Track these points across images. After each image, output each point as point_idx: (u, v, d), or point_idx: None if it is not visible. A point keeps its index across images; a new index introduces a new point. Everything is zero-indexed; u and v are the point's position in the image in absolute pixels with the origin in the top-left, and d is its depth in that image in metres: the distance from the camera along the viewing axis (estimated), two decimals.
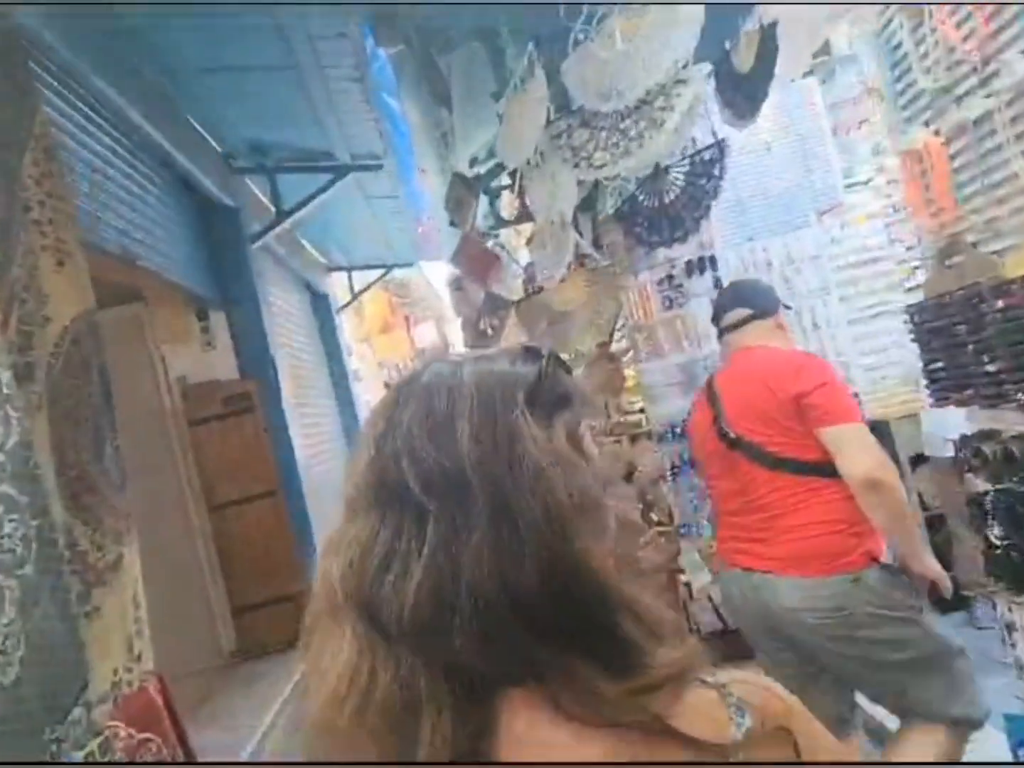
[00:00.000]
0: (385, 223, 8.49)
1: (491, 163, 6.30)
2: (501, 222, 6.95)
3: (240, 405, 5.85)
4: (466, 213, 4.67)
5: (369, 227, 8.56)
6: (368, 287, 10.76)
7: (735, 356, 2.63)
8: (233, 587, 5.78)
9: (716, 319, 2.69)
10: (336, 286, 10.73)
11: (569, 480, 0.62)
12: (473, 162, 5.95)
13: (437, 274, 13.13)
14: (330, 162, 6.33)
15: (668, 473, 4.05)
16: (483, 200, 6.47)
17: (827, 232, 3.95)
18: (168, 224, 5.46)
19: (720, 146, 2.54)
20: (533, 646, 0.59)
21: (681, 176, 2.61)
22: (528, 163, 3.04)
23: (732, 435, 2.41)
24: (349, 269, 10.59)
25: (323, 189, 6.32)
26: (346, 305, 10.76)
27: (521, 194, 6.09)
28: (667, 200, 2.57)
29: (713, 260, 4.03)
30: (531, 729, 0.60)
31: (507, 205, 6.92)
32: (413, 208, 7.97)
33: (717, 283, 4.05)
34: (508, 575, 0.59)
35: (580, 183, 2.52)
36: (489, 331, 4.86)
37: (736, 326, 2.56)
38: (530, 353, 0.74)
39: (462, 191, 4.76)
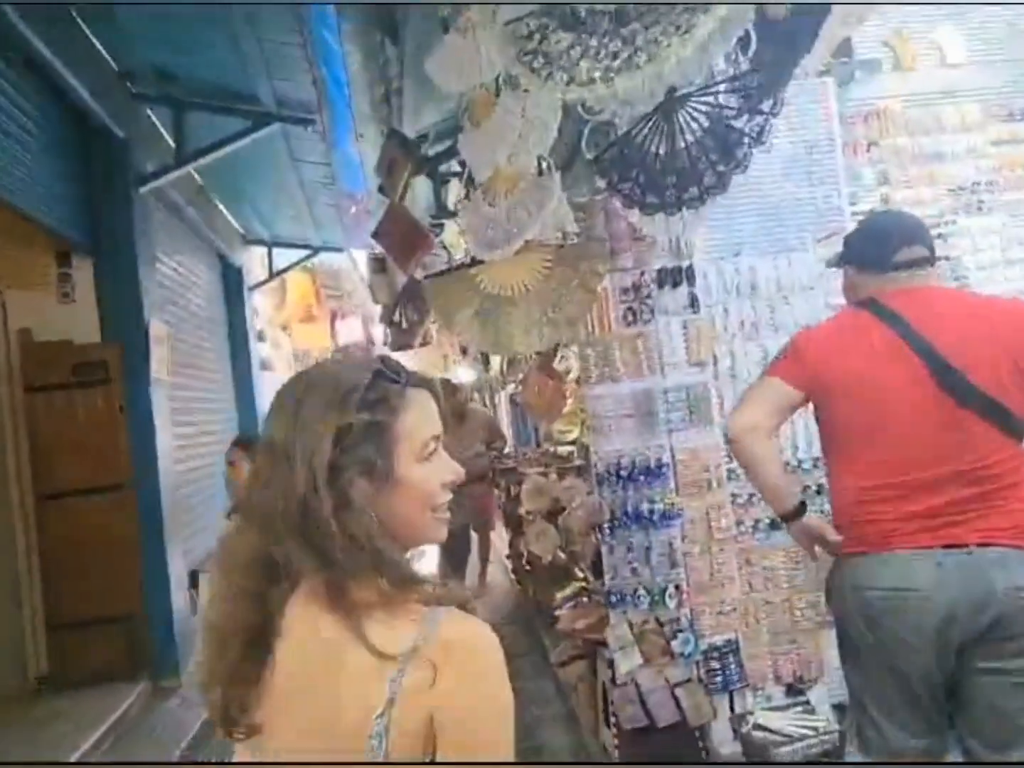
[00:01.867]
0: (313, 195, 7.52)
1: (442, 145, 5.48)
2: (446, 212, 6.09)
3: (93, 374, 4.78)
4: (398, 178, 3.84)
5: (294, 198, 7.57)
6: (288, 268, 9.69)
7: (921, 297, 2.11)
8: (52, 597, 4.66)
9: (882, 251, 2.13)
10: (254, 262, 9.63)
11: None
12: (421, 141, 5.11)
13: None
14: (251, 106, 5.36)
15: (606, 524, 3.27)
16: (428, 186, 5.64)
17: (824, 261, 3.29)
18: (33, 146, 4.40)
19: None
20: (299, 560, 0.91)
21: (705, 110, 1.83)
22: (480, 87, 2.21)
23: (977, 389, 1.95)
24: (269, 245, 9.51)
25: (239, 135, 5.34)
26: (261, 284, 9.67)
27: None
28: (679, 144, 1.79)
29: (691, 272, 3.32)
30: (303, 606, 0.93)
31: (456, 193, 6.07)
32: (346, 181, 7.04)
33: (693, 301, 3.33)
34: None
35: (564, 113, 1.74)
36: (404, 323, 4.00)
37: (918, 264, 2.13)
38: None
39: (397, 151, 3.92)
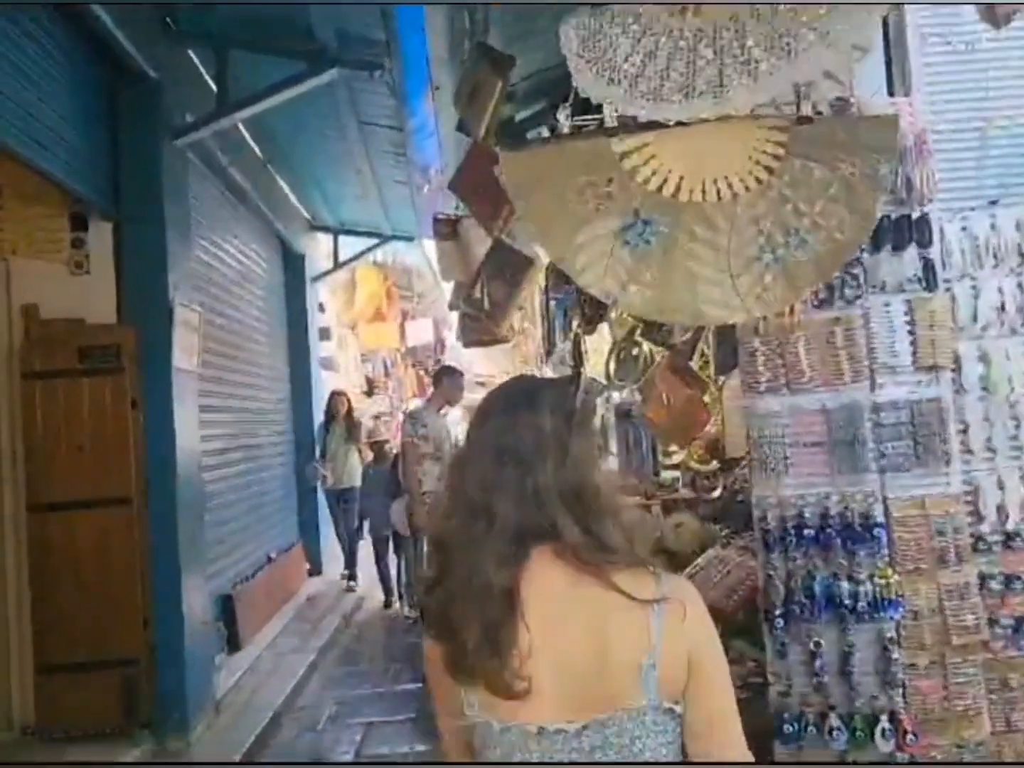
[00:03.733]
0: (382, 170, 6.61)
1: (531, 109, 4.45)
2: None
3: (102, 361, 3.92)
4: (483, 106, 2.82)
5: (361, 173, 6.69)
6: (354, 258, 8.85)
7: None
8: (42, 633, 3.81)
9: None
10: (319, 250, 8.84)
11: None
12: (511, 96, 4.09)
13: None
14: (307, 46, 4.45)
15: (776, 610, 2.11)
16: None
17: None
18: (47, 86, 3.61)
19: None
20: (566, 527, 1.07)
21: None
22: None
23: None
24: (336, 231, 8.70)
25: (292, 81, 4.43)
26: (325, 274, 8.85)
27: None
28: None
29: (925, 226, 2.15)
30: (548, 565, 1.07)
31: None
32: (418, 150, 6.09)
33: (927, 273, 2.15)
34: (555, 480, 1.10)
35: None
36: (485, 304, 2.96)
37: None
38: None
39: (483, 70, 2.89)
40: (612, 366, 3.30)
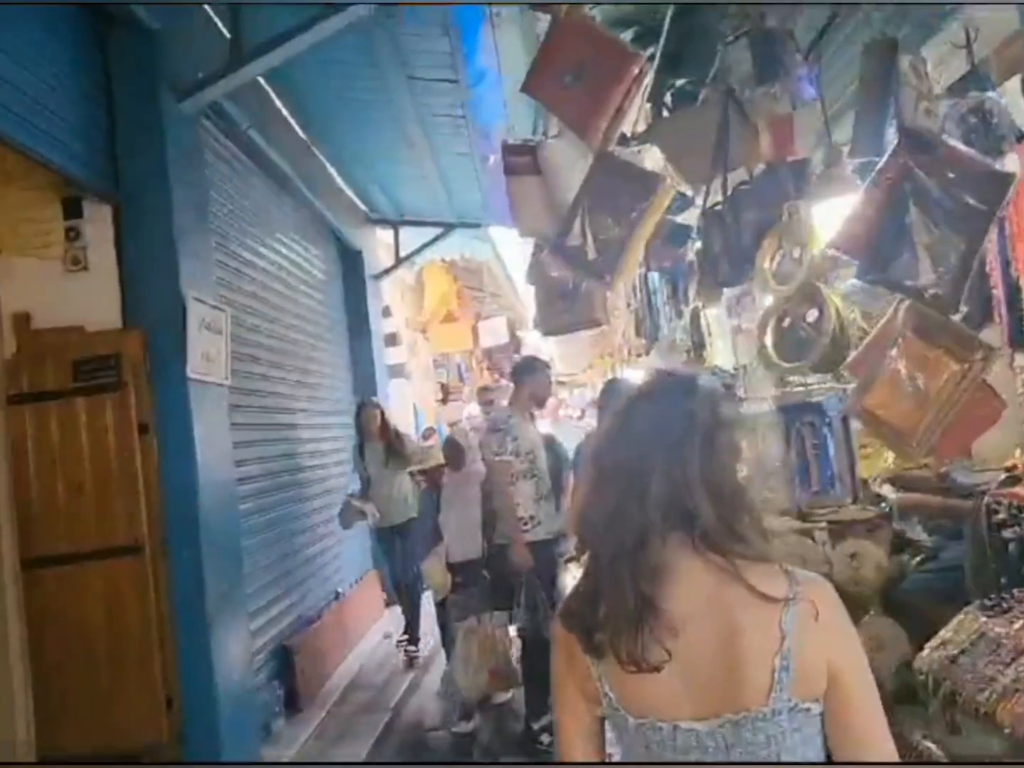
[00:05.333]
0: (439, 140, 5.72)
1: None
2: None
3: (100, 376, 3.14)
4: None
5: (416, 147, 5.81)
6: (417, 252, 8.00)
7: None
8: (48, 723, 3.05)
9: None
10: (377, 245, 8.05)
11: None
12: None
13: (514, 255, 10.33)
14: None
15: None
16: None
17: None
18: (32, 48, 2.89)
19: None
20: (705, 516, 1.05)
21: None
22: None
23: None
24: (396, 223, 7.89)
25: (317, 20, 3.56)
26: (387, 272, 8.05)
27: None
28: None
29: None
30: (679, 556, 1.05)
31: None
32: (479, 110, 5.18)
33: None
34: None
35: None
36: (591, 249, 1.98)
37: None
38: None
39: None
40: (771, 340, 2.26)
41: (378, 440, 5.53)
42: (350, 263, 7.30)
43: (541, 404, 4.58)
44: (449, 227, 7.79)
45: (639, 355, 8.49)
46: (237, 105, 4.39)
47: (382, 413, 5.65)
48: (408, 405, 10.51)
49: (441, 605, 4.33)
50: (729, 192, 2.59)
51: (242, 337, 4.42)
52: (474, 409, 8.91)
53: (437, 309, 12.73)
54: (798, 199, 2.24)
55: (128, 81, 3.42)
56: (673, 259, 3.92)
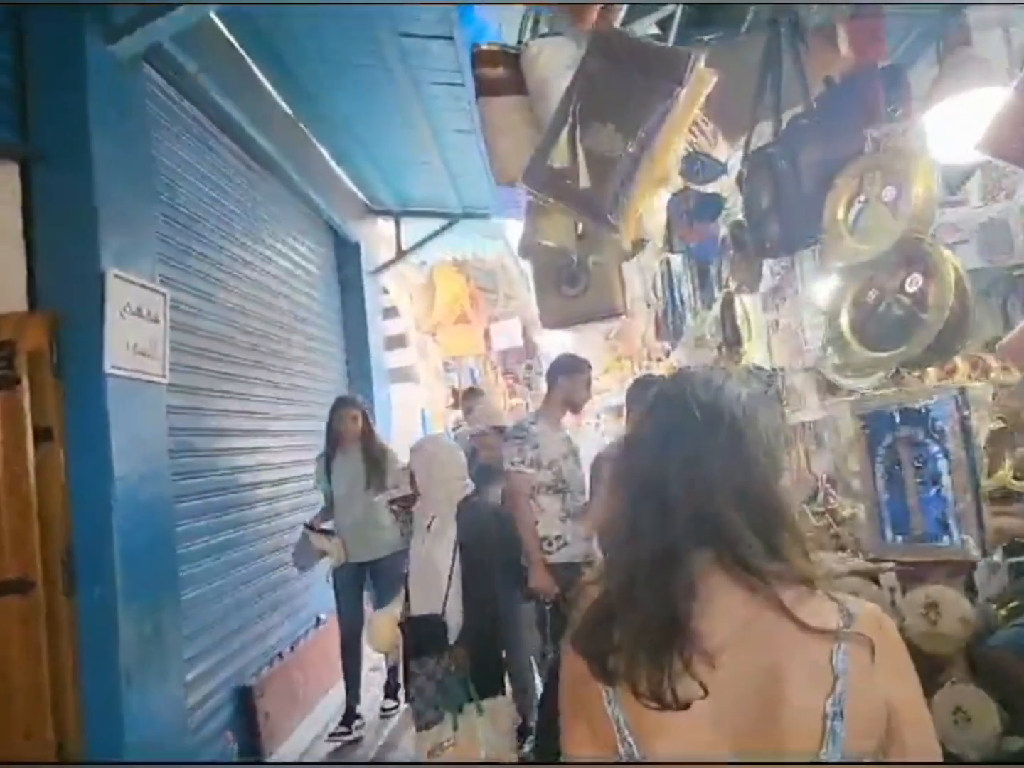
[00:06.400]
0: (438, 115, 5.11)
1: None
2: None
3: None
4: None
5: (414, 125, 5.20)
6: (420, 244, 7.38)
7: None
8: None
9: None
10: (377, 237, 7.46)
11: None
12: None
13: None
14: None
15: None
16: None
17: None
18: None
19: None
20: (742, 534, 0.90)
21: None
22: None
23: None
24: (396, 214, 7.29)
25: None
26: (387, 266, 7.45)
27: None
28: None
29: None
30: (708, 576, 0.90)
31: None
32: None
33: None
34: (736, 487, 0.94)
35: None
36: (582, 175, 1.34)
37: None
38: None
39: None
40: (847, 320, 1.59)
41: (355, 450, 4.31)
42: (347, 256, 6.72)
43: (576, 409, 4.02)
44: (454, 218, 7.17)
45: (659, 359, 7.81)
46: (209, 74, 3.83)
47: (364, 416, 4.40)
48: (416, 410, 9.94)
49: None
50: (783, 128, 1.94)
51: (200, 328, 3.84)
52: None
53: (448, 310, 12.16)
54: (893, 116, 1.59)
55: (42, 12, 2.84)
56: (700, 237, 3.25)
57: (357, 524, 4.21)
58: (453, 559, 2.65)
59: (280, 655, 4.38)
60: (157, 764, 2.71)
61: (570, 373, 3.83)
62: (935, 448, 1.45)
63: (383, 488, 4.16)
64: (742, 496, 0.91)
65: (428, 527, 2.79)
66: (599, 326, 3.34)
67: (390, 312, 8.74)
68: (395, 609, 2.77)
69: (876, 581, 2.60)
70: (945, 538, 1.52)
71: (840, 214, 1.66)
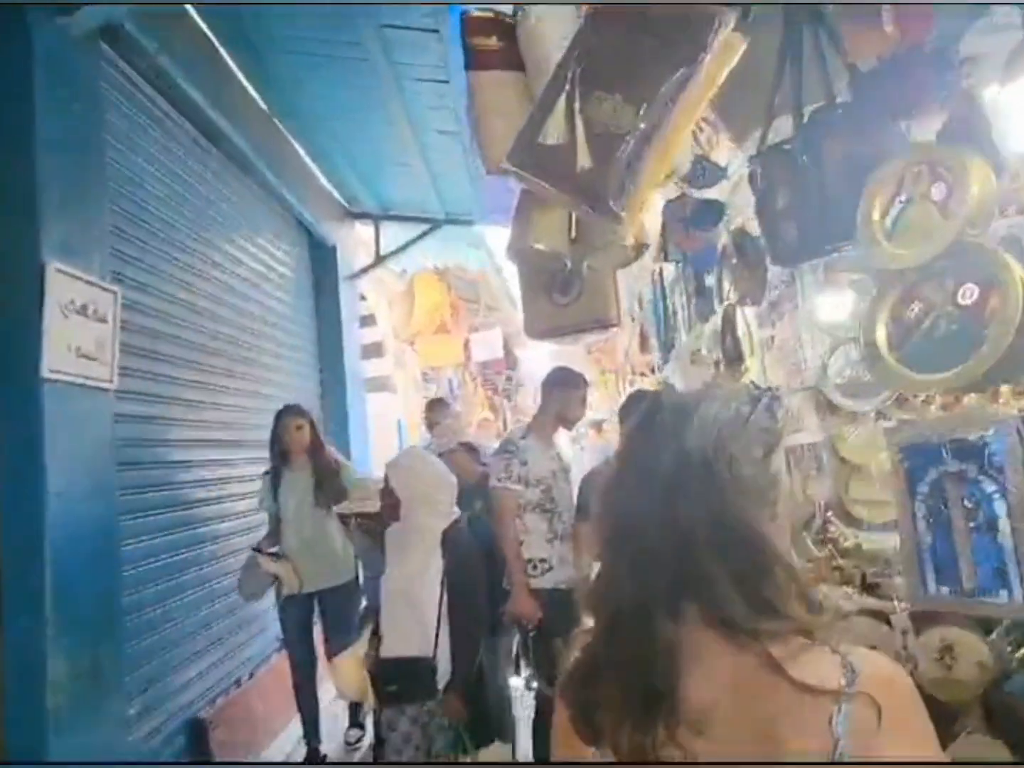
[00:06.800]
0: (419, 113, 4.89)
1: None
2: None
3: None
4: None
5: (394, 123, 4.97)
6: (399, 250, 7.14)
7: None
8: None
9: None
10: (355, 241, 7.20)
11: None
12: None
13: (513, 265, 9.48)
14: None
15: None
16: None
17: None
18: None
19: None
20: (717, 580, 0.81)
21: None
22: None
23: None
24: (376, 218, 7.04)
25: None
26: (365, 271, 7.19)
27: None
28: None
29: None
30: (693, 635, 0.81)
31: None
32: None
33: None
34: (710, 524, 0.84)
35: None
36: (583, 156, 1.13)
37: None
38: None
39: None
40: (883, 336, 1.37)
41: (303, 465, 3.91)
42: (322, 260, 6.45)
43: (569, 426, 3.81)
44: (436, 224, 6.94)
45: (643, 374, 7.62)
46: (176, 61, 3.58)
47: (311, 426, 4.00)
48: (393, 420, 9.67)
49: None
50: (804, 121, 1.73)
51: (160, 331, 3.57)
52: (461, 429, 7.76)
53: (428, 320, 11.89)
54: (943, 103, 1.39)
55: None
56: (698, 245, 3.05)
57: (307, 548, 3.81)
58: (441, 593, 2.35)
59: (237, 683, 4.07)
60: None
61: (565, 387, 3.63)
62: (991, 487, 1.24)
63: (332, 496, 3.84)
64: (720, 544, 0.81)
65: (408, 555, 2.50)
66: (587, 338, 3.11)
67: (367, 320, 8.50)
68: (359, 649, 2.46)
69: (887, 621, 2.41)
70: (1003, 592, 1.30)
71: (876, 215, 1.45)
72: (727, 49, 1.25)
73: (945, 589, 1.37)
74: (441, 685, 2.33)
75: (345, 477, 3.96)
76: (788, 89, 1.89)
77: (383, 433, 8.25)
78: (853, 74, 1.69)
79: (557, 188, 1.29)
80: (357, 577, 3.91)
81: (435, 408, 5.56)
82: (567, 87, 1.24)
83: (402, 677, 2.32)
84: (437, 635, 2.32)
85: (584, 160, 1.21)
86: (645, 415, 0.92)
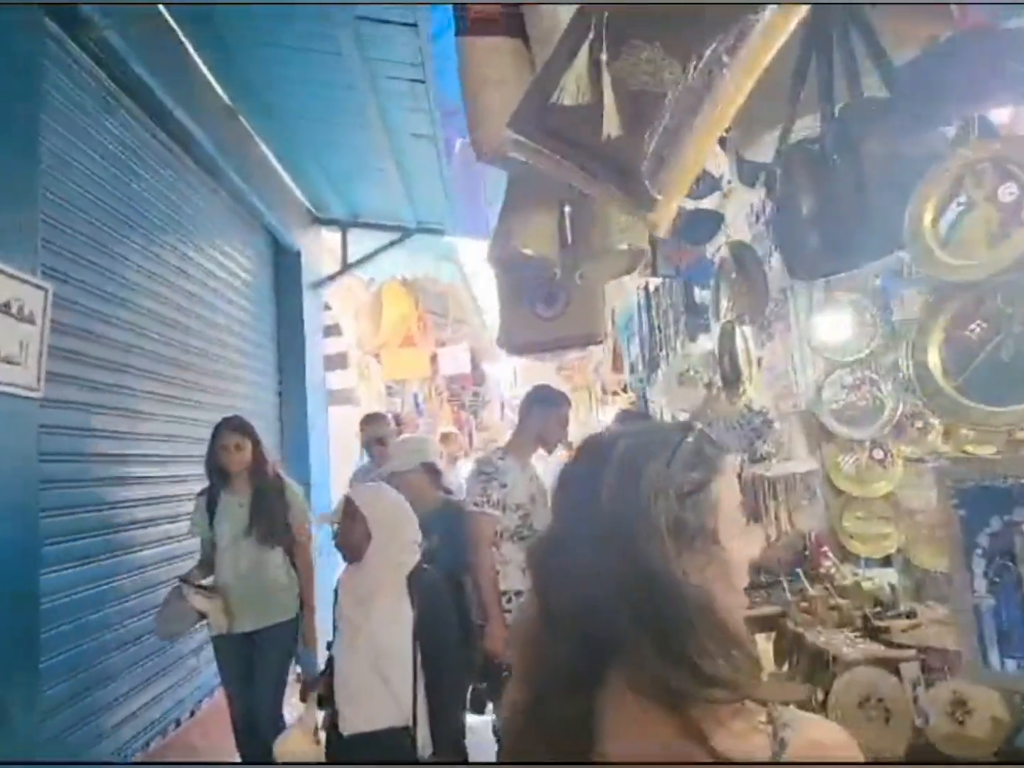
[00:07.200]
0: (395, 117, 4.66)
1: None
2: None
3: None
4: None
5: (368, 125, 4.73)
6: (367, 258, 6.85)
7: None
8: None
9: None
10: (320, 247, 6.91)
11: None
12: None
13: (484, 280, 9.37)
14: None
15: None
16: None
17: None
18: None
19: None
20: (632, 638, 0.75)
21: None
22: None
23: None
24: (344, 224, 6.76)
25: None
26: (331, 278, 6.90)
27: None
28: None
29: None
30: (616, 699, 0.77)
31: None
32: (446, 76, 4.13)
33: None
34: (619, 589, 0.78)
35: None
36: (611, 120, 0.91)
37: None
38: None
39: None
40: (938, 361, 1.17)
41: (242, 487, 3.44)
42: (285, 265, 6.15)
43: (549, 448, 3.52)
44: (407, 233, 6.69)
45: (615, 393, 7.46)
46: (131, 44, 3.30)
47: (255, 444, 3.48)
48: (355, 434, 9.33)
49: None
50: (834, 115, 1.54)
51: (101, 335, 3.25)
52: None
53: (395, 331, 11.60)
54: (1014, 92, 1.21)
55: None
56: (690, 259, 2.87)
57: (242, 582, 3.34)
58: (414, 649, 2.01)
59: (177, 722, 3.72)
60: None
61: (546, 407, 3.37)
62: None
63: (273, 536, 3.37)
64: (636, 601, 0.76)
65: (370, 606, 2.14)
66: (569, 354, 2.90)
67: (332, 329, 8.20)
68: (308, 720, 2.13)
69: (897, 672, 2.21)
70: None
71: (927, 220, 1.25)
72: (775, 27, 1.05)
73: (1012, 663, 1.16)
74: (424, 752, 1.98)
75: (291, 502, 3.53)
76: (814, 84, 1.71)
77: (345, 448, 7.93)
78: (890, 67, 1.50)
79: (574, 161, 1.05)
80: (298, 616, 3.48)
81: (373, 423, 4.61)
82: (591, 35, 1.00)
83: (373, 754, 1.96)
84: (415, 699, 1.98)
85: (612, 126, 0.98)
86: (578, 449, 0.87)
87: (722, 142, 2.86)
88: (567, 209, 1.91)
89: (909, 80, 1.35)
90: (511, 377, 14.19)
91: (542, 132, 1.07)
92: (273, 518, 3.39)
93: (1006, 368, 1.12)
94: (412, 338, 11.95)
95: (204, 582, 3.35)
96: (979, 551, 1.17)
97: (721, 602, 0.78)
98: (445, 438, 8.65)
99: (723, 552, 0.79)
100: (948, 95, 1.29)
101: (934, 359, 1.21)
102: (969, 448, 2.83)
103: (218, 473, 3.45)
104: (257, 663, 3.36)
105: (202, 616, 3.27)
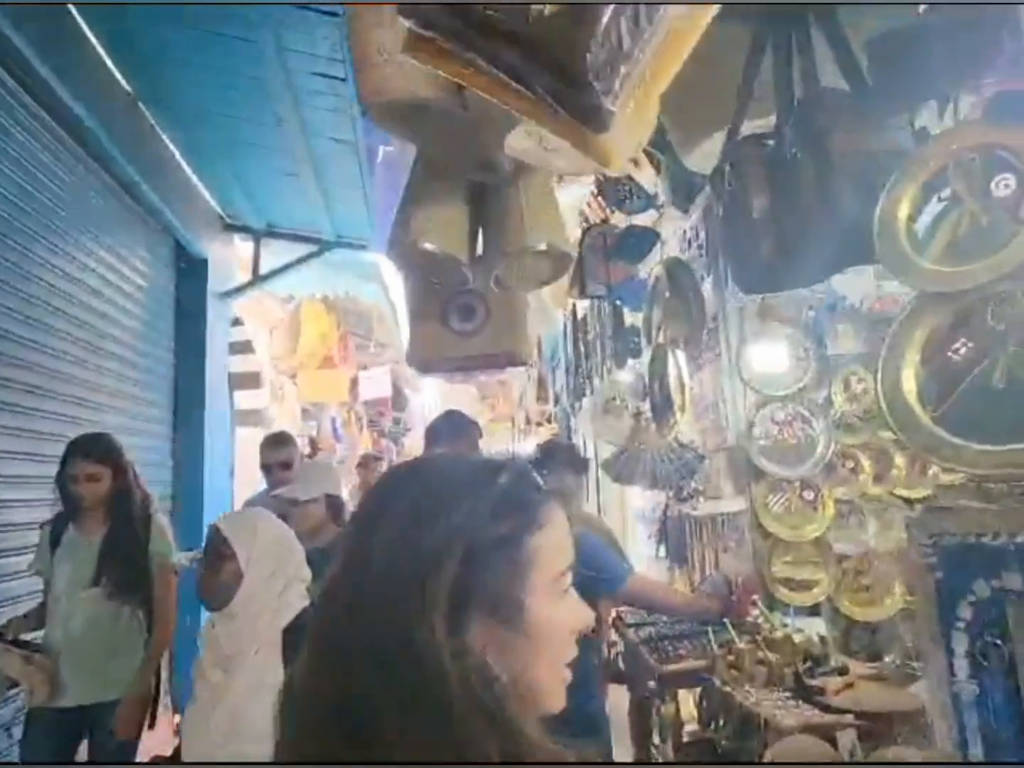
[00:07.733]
0: (313, 119, 4.35)
1: None
2: None
3: None
4: None
5: (288, 124, 4.39)
6: (280, 270, 6.42)
7: None
8: None
9: None
10: (230, 255, 6.45)
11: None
12: None
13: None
14: None
15: None
16: None
17: None
18: None
19: None
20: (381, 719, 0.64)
21: None
22: None
23: None
24: (258, 234, 6.35)
25: None
26: (240, 289, 6.44)
27: None
28: None
29: None
30: None
31: None
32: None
33: None
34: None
35: None
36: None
37: None
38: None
39: None
40: (913, 388, 0.96)
41: (95, 526, 2.79)
42: (189, 273, 5.68)
43: None
44: (326, 245, 6.33)
45: (539, 424, 7.25)
46: (23, 29, 2.89)
47: (116, 474, 2.82)
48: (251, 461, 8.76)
49: None
50: (794, 103, 1.35)
51: None
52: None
53: (313, 351, 11.11)
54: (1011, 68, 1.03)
55: None
56: (619, 278, 2.66)
57: (73, 644, 2.65)
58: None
59: None
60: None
61: (455, 435, 2.99)
62: None
63: (126, 590, 2.70)
64: (407, 671, 0.62)
65: (234, 670, 1.75)
66: (484, 376, 2.64)
67: (244, 346, 7.71)
68: None
69: (833, 741, 2.00)
70: None
71: (901, 218, 1.05)
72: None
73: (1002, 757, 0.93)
74: None
75: (154, 540, 2.87)
76: (763, 84, 1.52)
77: (255, 476, 7.39)
78: (852, 55, 1.32)
79: (488, 55, 0.75)
80: (155, 692, 2.80)
81: (277, 444, 3.87)
82: None
83: None
84: None
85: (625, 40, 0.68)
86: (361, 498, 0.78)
87: (657, 166, 2.71)
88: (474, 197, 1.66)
89: (880, 56, 1.16)
90: (435, 404, 13.84)
91: (445, 15, 0.76)
92: (128, 566, 2.73)
93: (998, 397, 0.91)
94: (332, 359, 11.50)
95: (27, 637, 2.69)
96: (959, 624, 0.95)
97: (526, 681, 0.65)
98: (364, 462, 8.11)
99: (534, 627, 0.66)
100: (926, 80, 1.10)
101: (909, 384, 1.00)
102: (902, 491, 2.70)
103: (70, 502, 2.80)
104: (91, 748, 2.70)
105: (13, 683, 2.61)
